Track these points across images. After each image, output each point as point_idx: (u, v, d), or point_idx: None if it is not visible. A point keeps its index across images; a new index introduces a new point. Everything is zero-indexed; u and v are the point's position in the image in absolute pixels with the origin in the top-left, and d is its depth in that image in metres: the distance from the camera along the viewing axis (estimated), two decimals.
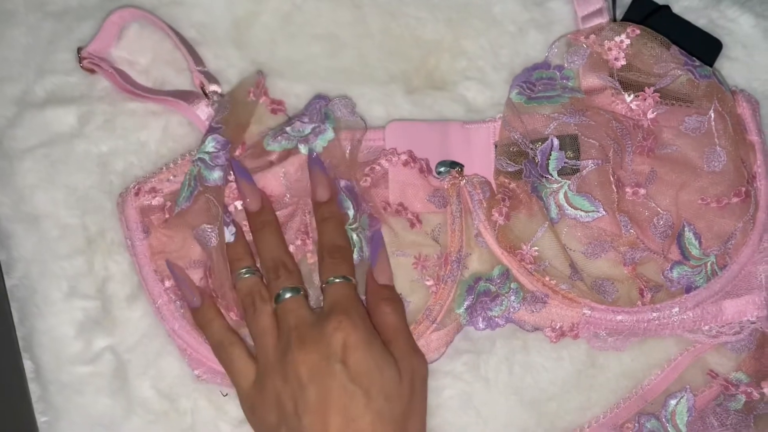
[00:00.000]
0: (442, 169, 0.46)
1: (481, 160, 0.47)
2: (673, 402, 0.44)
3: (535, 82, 0.47)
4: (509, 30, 0.49)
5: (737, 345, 0.45)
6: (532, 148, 0.45)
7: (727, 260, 0.44)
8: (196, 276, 0.43)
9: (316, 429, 0.37)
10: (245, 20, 0.49)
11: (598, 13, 0.49)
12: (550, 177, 0.44)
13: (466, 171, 0.46)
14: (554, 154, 0.45)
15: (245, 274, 0.42)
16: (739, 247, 0.44)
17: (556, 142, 0.45)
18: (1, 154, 0.46)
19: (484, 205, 0.44)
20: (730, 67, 0.50)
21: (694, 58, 0.47)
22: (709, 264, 0.44)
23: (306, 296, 0.41)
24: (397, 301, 0.42)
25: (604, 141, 0.45)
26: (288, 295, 0.40)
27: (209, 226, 0.42)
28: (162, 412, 0.43)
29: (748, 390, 0.44)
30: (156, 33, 0.48)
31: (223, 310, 0.43)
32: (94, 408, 0.43)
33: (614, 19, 0.49)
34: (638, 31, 0.47)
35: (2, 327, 0.43)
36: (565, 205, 0.44)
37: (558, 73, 0.48)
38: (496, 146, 0.47)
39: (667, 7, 0.51)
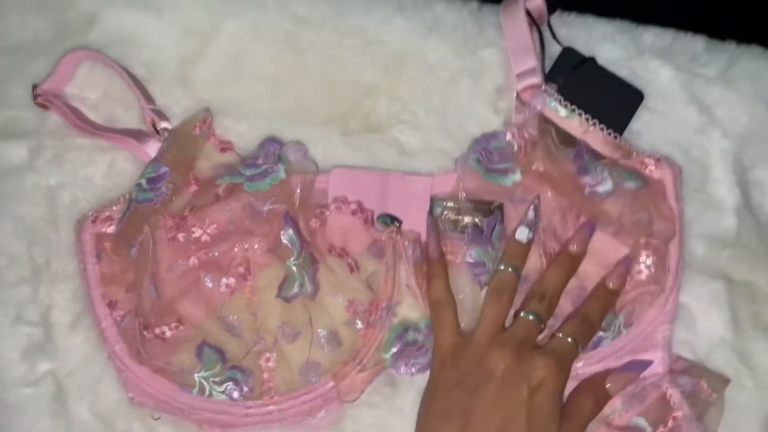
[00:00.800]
0: (382, 223, 0.48)
1: (417, 211, 0.49)
2: None
3: (492, 153, 0.49)
4: (442, 77, 0.52)
5: (632, 398, 0.48)
6: (478, 217, 0.48)
7: (633, 320, 0.47)
8: (134, 294, 0.45)
9: (478, 418, 0.42)
10: (191, 60, 0.51)
11: (531, 72, 0.51)
12: (492, 245, 0.47)
13: (403, 219, 0.49)
14: (498, 227, 0.48)
15: (511, 269, 0.46)
16: (646, 309, 0.48)
17: (500, 216, 0.48)
18: None
19: (416, 260, 0.47)
20: (650, 117, 0.53)
21: (595, 169, 0.48)
22: (617, 324, 0.48)
23: (541, 331, 0.45)
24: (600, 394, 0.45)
25: (543, 221, 0.47)
26: (532, 318, 0.45)
27: (135, 240, 0.44)
28: None
29: None
30: (106, 70, 0.50)
31: (147, 332, 0.44)
32: (35, 428, 0.46)
33: (544, 73, 0.52)
34: (545, 140, 0.49)
35: None
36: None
37: (512, 149, 0.49)
38: (432, 200, 0.49)
39: (592, 59, 0.53)
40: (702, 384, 0.48)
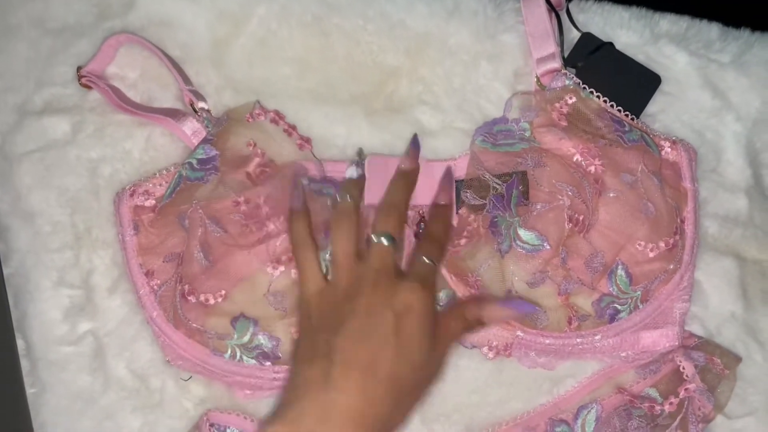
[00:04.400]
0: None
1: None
2: (584, 412, 0.49)
3: (496, 134, 0.51)
4: (462, 59, 0.54)
5: (645, 369, 0.50)
6: (498, 184, 0.49)
7: (650, 296, 0.49)
8: (173, 263, 0.48)
9: (343, 353, 0.39)
10: (224, 42, 0.54)
11: (551, 57, 0.53)
12: (511, 211, 0.49)
13: (426, 202, 0.50)
14: (515, 191, 0.49)
15: (349, 198, 0.44)
16: (662, 286, 0.49)
17: (517, 181, 0.49)
18: (1, 157, 0.51)
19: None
20: (665, 101, 0.54)
21: (624, 123, 0.51)
22: (634, 299, 0.49)
23: (397, 249, 0.43)
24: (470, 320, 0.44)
25: (558, 184, 0.48)
26: (384, 240, 0.42)
27: (184, 213, 0.46)
28: (134, 389, 0.49)
29: (651, 405, 0.48)
30: (144, 51, 0.53)
31: (192, 297, 0.47)
32: (76, 383, 0.48)
33: (563, 57, 0.54)
34: (574, 99, 0.51)
35: None
36: (516, 238, 0.49)
37: (515, 126, 0.52)
38: (456, 182, 0.51)
39: (610, 44, 0.55)
40: (715, 360, 0.49)
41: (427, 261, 0.43)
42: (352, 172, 0.48)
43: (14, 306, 0.49)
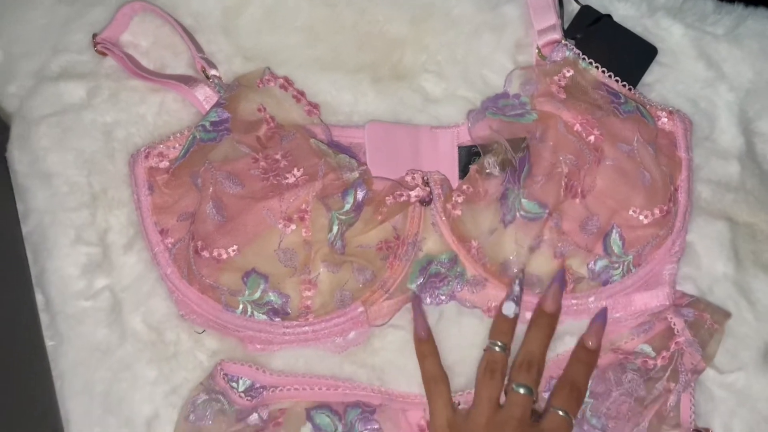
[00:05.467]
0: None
1: (445, 160, 0.53)
2: None
3: (503, 108, 0.53)
4: (465, 30, 0.56)
5: (639, 328, 0.51)
6: (513, 157, 0.51)
7: (642, 260, 0.51)
8: (187, 222, 0.49)
9: None
10: (235, 11, 0.55)
11: (552, 28, 0.54)
12: (519, 184, 0.50)
13: (433, 168, 0.52)
14: (527, 165, 0.51)
15: (498, 348, 0.48)
16: (654, 250, 0.51)
17: (528, 155, 0.50)
18: (20, 120, 0.52)
19: (442, 199, 0.51)
20: (661, 71, 0.56)
21: (620, 95, 0.52)
22: (626, 262, 0.51)
23: (534, 402, 0.47)
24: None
25: (560, 155, 0.50)
26: (523, 392, 0.46)
27: (197, 172, 0.48)
28: (150, 342, 0.50)
29: (644, 360, 0.50)
30: (156, 19, 0.55)
31: (205, 252, 0.48)
32: (93, 336, 0.50)
33: (563, 28, 0.56)
34: (572, 72, 0.53)
35: (18, 266, 0.50)
36: (520, 208, 0.50)
37: (516, 101, 0.53)
38: (459, 148, 0.53)
39: (608, 16, 0.57)
40: (705, 316, 0.51)
41: (562, 414, 0.46)
42: (508, 309, 0.49)
43: (33, 262, 0.51)
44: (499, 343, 0.48)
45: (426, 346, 0.49)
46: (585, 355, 0.49)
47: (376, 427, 0.49)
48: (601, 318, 0.50)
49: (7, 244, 0.50)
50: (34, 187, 0.52)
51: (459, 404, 0.50)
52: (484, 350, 0.48)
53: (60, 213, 0.51)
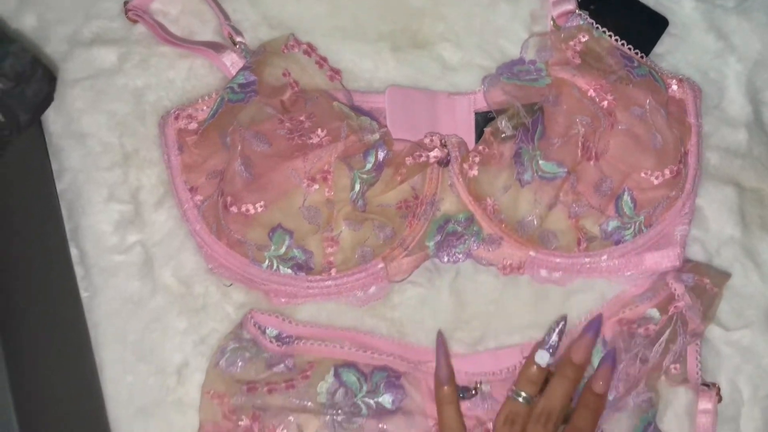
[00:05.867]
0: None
1: (462, 125, 0.55)
2: None
3: (518, 73, 0.55)
4: (482, 1, 0.57)
5: (643, 295, 0.53)
6: (526, 117, 0.52)
7: (653, 221, 0.53)
8: (216, 180, 0.51)
9: None
10: None
11: None
12: (533, 144, 0.52)
13: (448, 133, 0.53)
14: (540, 126, 0.52)
15: (521, 399, 0.48)
16: (665, 212, 0.53)
17: (541, 117, 0.52)
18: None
19: (459, 161, 0.53)
20: (672, 42, 0.58)
21: (633, 59, 0.54)
22: (638, 223, 0.53)
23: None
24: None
25: (576, 117, 0.52)
26: None
27: (226, 131, 0.50)
28: (180, 294, 0.52)
29: (647, 326, 0.51)
30: None
31: (233, 208, 0.50)
32: (126, 288, 0.52)
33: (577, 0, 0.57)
34: (587, 37, 0.54)
35: (54, 221, 0.52)
36: (538, 169, 0.52)
37: (532, 67, 0.55)
38: (475, 114, 0.55)
39: None
40: (704, 280, 0.53)
41: None
42: (541, 359, 0.49)
43: (67, 218, 0.53)
44: (524, 394, 0.48)
45: (447, 392, 0.49)
46: (593, 401, 0.49)
47: (400, 390, 0.51)
48: (609, 360, 0.50)
49: (43, 201, 0.52)
50: (68, 147, 0.54)
51: (480, 383, 0.51)
52: (507, 397, 0.49)
53: (94, 172, 0.53)
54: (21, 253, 0.47)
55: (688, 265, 0.54)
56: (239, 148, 0.50)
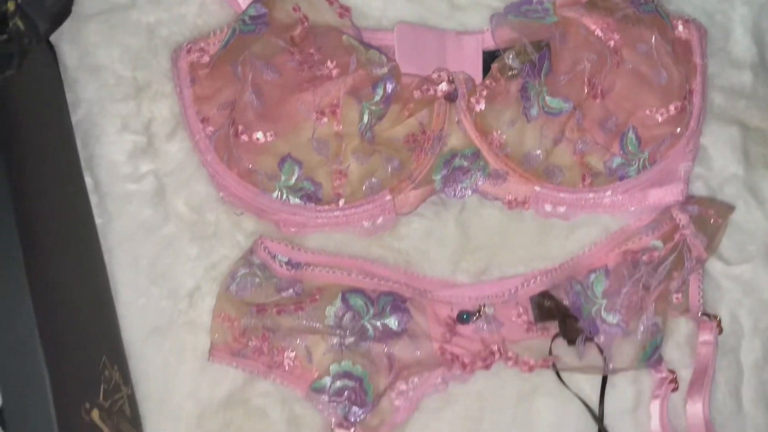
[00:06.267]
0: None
1: (470, 63, 0.55)
2: (593, 275, 0.53)
3: (525, 12, 0.55)
4: None
5: (648, 227, 0.54)
6: (533, 52, 0.53)
7: (657, 158, 0.53)
8: (227, 111, 0.52)
9: None
10: None
11: None
12: (540, 80, 0.53)
13: (457, 69, 0.54)
14: (546, 62, 0.53)
15: None
16: (669, 149, 0.53)
17: (548, 53, 0.53)
18: (71, 17, 0.55)
19: (466, 97, 0.54)
20: None
21: None
22: (642, 159, 0.53)
23: None
24: None
25: (582, 54, 0.53)
26: None
27: (237, 61, 0.51)
28: (191, 222, 0.53)
29: (651, 253, 0.52)
30: None
31: (244, 136, 0.50)
32: (139, 215, 0.53)
33: None
34: None
35: (69, 151, 0.53)
36: (544, 105, 0.53)
37: (539, 6, 0.55)
38: (483, 53, 0.55)
39: None
40: (709, 211, 0.53)
41: None
42: None
43: (82, 148, 0.54)
44: None
45: None
46: None
47: (406, 314, 0.52)
48: None
49: (58, 131, 0.53)
50: (83, 80, 0.55)
51: (484, 306, 0.53)
52: None
53: (108, 103, 0.55)
54: (39, 180, 0.48)
55: (692, 200, 0.54)
56: (250, 77, 0.51)
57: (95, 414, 0.42)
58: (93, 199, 0.54)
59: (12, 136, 0.46)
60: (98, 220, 0.53)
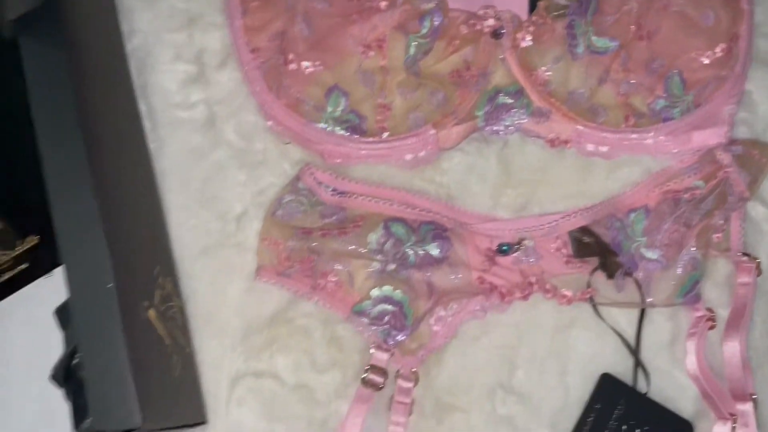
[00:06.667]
0: None
1: (517, 2, 0.55)
2: (633, 214, 0.54)
3: None
4: None
5: (690, 168, 0.54)
6: None
7: (702, 100, 0.53)
8: (277, 42, 0.53)
9: None
10: None
11: None
12: (587, 19, 0.53)
13: (505, 8, 0.54)
14: (593, 2, 0.54)
15: None
16: (714, 92, 0.53)
17: None
18: None
19: (512, 34, 0.54)
20: None
21: None
22: (686, 102, 0.54)
23: None
24: None
25: None
26: None
27: None
28: (240, 149, 0.55)
29: (693, 192, 0.53)
30: None
31: (293, 64, 0.52)
32: (189, 141, 0.55)
33: None
34: None
35: (124, 78, 0.55)
36: (590, 44, 0.53)
37: None
38: None
39: None
40: (753, 152, 0.53)
41: None
42: None
43: (136, 76, 0.56)
44: None
45: None
46: None
47: (447, 242, 0.53)
48: None
49: (114, 59, 0.55)
50: (138, 9, 0.57)
51: (524, 239, 0.53)
52: None
53: (162, 33, 0.56)
54: (101, 101, 0.50)
55: (735, 141, 0.54)
56: (301, 6, 0.52)
57: (152, 314, 0.44)
58: (146, 125, 0.55)
59: (76, 63, 0.48)
60: (151, 145, 0.55)
